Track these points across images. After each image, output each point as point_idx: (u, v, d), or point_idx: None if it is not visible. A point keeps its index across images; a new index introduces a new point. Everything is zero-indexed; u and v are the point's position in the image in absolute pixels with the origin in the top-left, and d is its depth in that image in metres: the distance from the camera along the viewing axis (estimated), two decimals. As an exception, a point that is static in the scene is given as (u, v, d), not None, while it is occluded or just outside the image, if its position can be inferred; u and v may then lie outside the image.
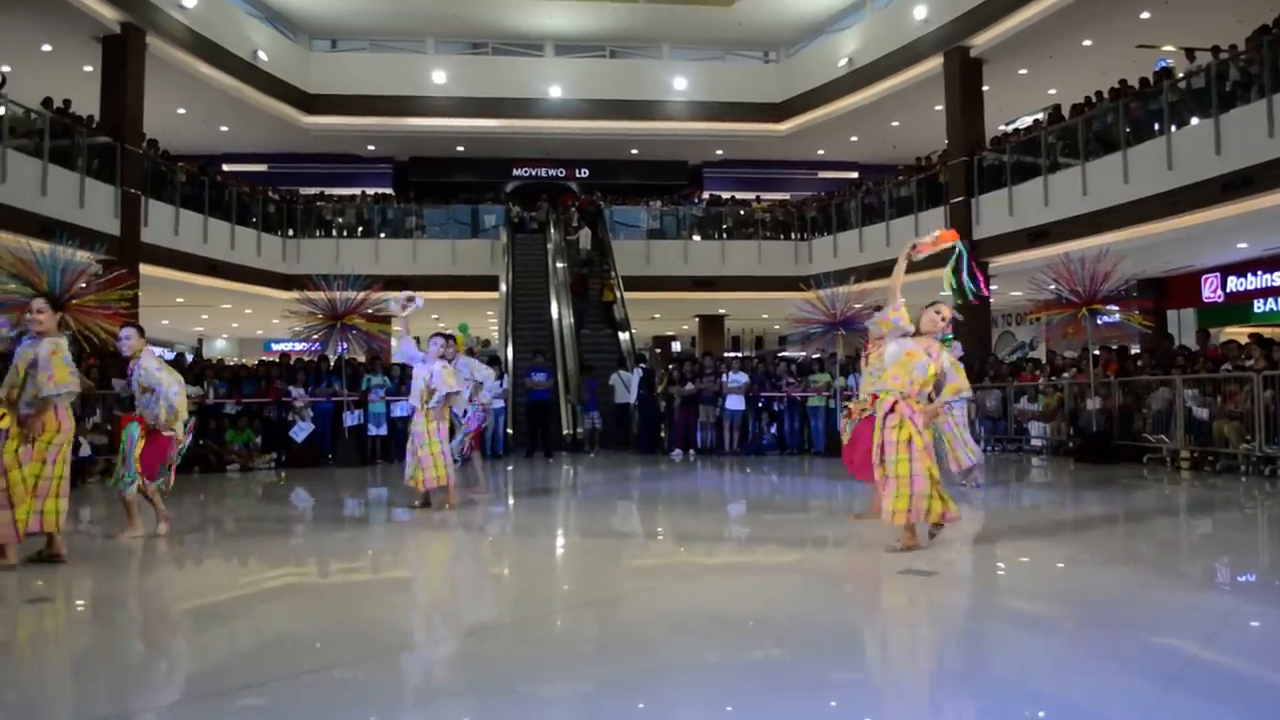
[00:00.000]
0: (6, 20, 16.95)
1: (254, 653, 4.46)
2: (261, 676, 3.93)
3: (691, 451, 16.50)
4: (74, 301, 9.84)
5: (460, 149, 28.38)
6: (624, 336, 20.83)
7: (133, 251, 17.01)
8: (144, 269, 17.20)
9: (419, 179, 28.93)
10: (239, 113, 23.53)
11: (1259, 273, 18.26)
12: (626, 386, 17.61)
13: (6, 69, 17.49)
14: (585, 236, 24.30)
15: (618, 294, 21.87)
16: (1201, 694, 3.56)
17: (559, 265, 22.64)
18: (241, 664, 4.21)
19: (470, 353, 19.27)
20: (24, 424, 6.17)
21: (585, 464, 15.24)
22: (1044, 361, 17.18)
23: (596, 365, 19.59)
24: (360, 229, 24.81)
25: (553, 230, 24.23)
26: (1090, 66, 19.36)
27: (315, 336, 15.07)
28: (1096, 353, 14.51)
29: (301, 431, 14.76)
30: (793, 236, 25.42)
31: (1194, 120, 14.89)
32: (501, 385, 16.42)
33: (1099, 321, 13.95)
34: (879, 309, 8.12)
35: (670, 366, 18.28)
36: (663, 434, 17.50)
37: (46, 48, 18.34)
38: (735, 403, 16.54)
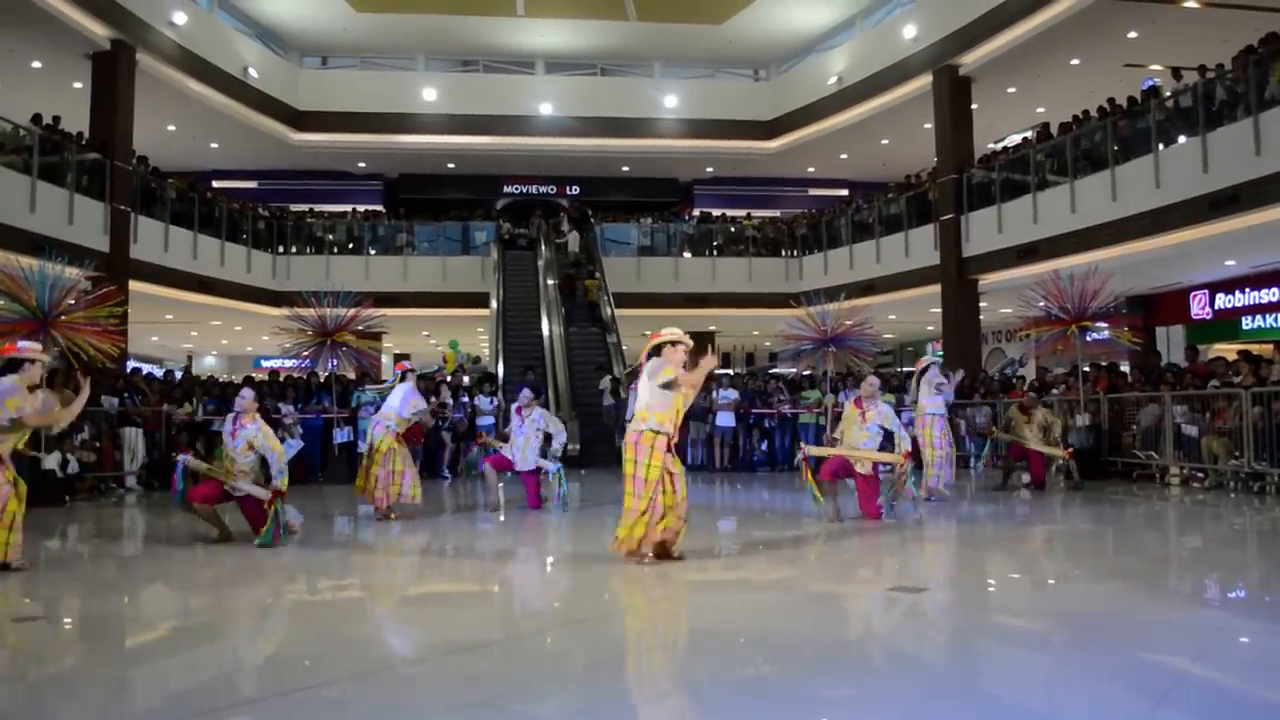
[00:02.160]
0: (-4, 37, 16.97)
1: (242, 671, 4.43)
2: (250, 695, 3.91)
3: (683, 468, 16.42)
4: (63, 318, 9.84)
5: (451, 166, 28.40)
6: (610, 336, 21.24)
7: (122, 268, 16.98)
8: (133, 285, 17.17)
9: (409, 196, 28.94)
10: (229, 129, 23.53)
11: (1247, 290, 18.35)
12: (623, 400, 17.52)
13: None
14: (574, 239, 24.73)
15: (605, 295, 22.28)
16: (1190, 710, 3.56)
17: (550, 282, 22.67)
18: (230, 682, 4.19)
19: (461, 369, 19.35)
20: None
21: (576, 480, 15.20)
22: (1033, 378, 17.22)
23: (585, 361, 20.18)
24: (350, 246, 24.84)
25: (543, 247, 24.26)
26: (1078, 85, 19.48)
27: (305, 353, 15.01)
28: (1086, 369, 14.55)
29: (291, 449, 14.68)
30: (783, 253, 25.48)
31: (1181, 139, 15.00)
32: (493, 403, 16.41)
33: (1088, 338, 14.00)
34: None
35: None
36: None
37: (36, 64, 18.33)
38: (726, 419, 16.53)
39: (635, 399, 6.43)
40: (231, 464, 7.93)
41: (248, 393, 8.28)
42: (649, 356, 6.92)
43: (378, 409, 15.01)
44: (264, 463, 8.13)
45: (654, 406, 6.64)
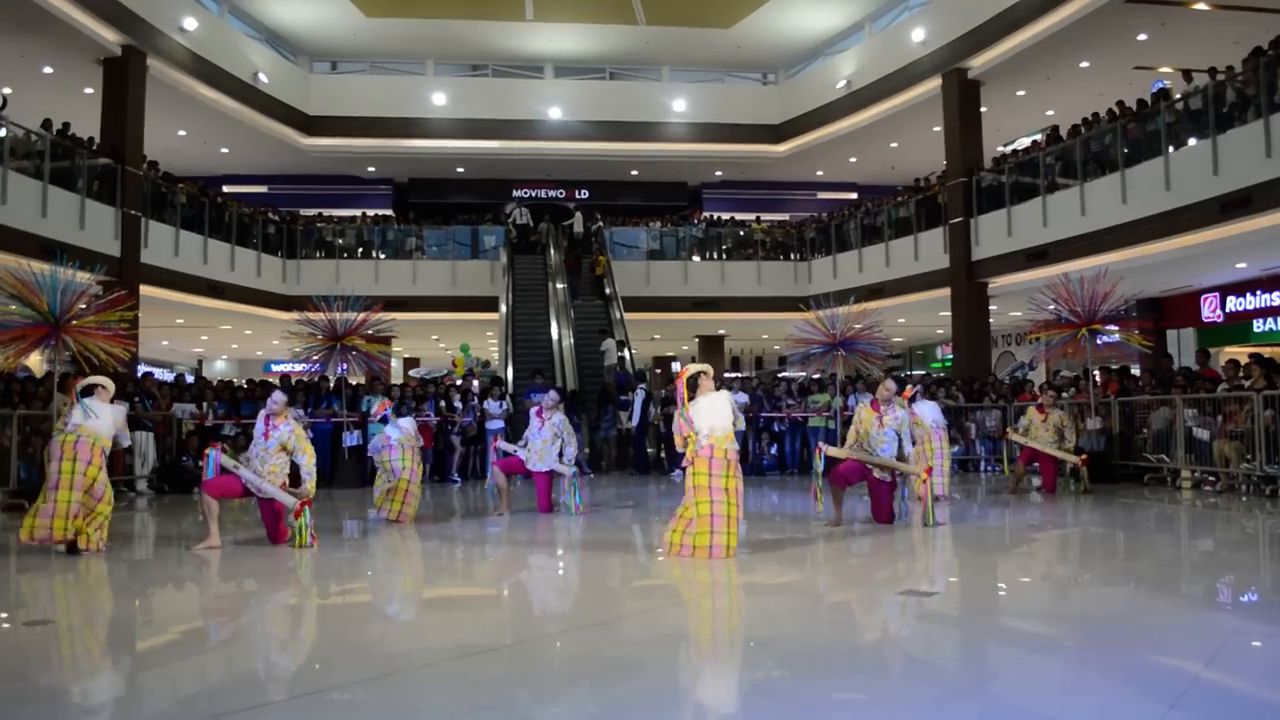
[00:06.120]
0: (7, 42, 17.04)
1: (252, 675, 4.44)
2: (259, 699, 3.90)
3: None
4: (74, 323, 9.87)
5: (460, 170, 28.48)
6: (612, 307, 22.13)
7: (133, 272, 17.04)
8: (144, 290, 17.23)
9: (419, 200, 29.02)
10: (239, 134, 23.62)
11: (1258, 292, 18.28)
12: (626, 403, 17.52)
13: (7, 91, 17.57)
14: (578, 220, 25.34)
15: (609, 274, 23.19)
16: (1204, 714, 3.54)
17: (559, 286, 22.74)
18: (239, 686, 4.19)
19: (470, 374, 19.36)
20: None
21: (585, 485, 15.19)
22: (1044, 381, 17.16)
23: (588, 330, 21.00)
24: (360, 250, 24.88)
25: (552, 251, 24.32)
26: (1088, 88, 19.45)
27: (315, 357, 15.03)
28: (1096, 373, 14.51)
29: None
30: (792, 257, 25.46)
31: (1191, 141, 14.94)
32: (502, 406, 16.41)
33: (1098, 341, 13.95)
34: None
35: (671, 386, 18.30)
36: (662, 455, 17.50)
37: (47, 70, 18.43)
38: (736, 423, 16.47)
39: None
40: (261, 464, 7.95)
41: (279, 395, 8.29)
42: (689, 387, 7.56)
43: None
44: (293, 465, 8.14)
45: (717, 429, 7.26)
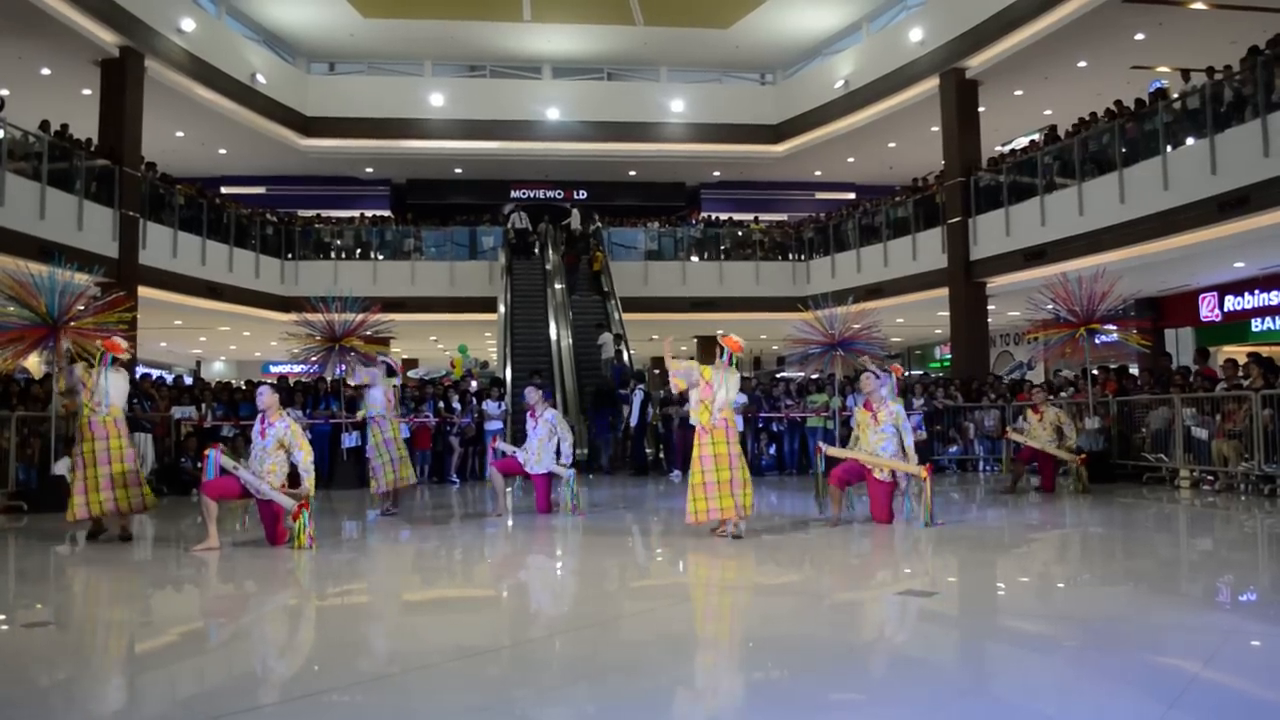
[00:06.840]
0: (6, 44, 17.03)
1: (249, 676, 4.44)
2: (256, 700, 3.90)
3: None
4: (72, 324, 9.86)
5: (458, 171, 28.47)
6: (610, 303, 22.34)
7: (131, 274, 17.04)
8: (142, 291, 17.23)
9: (417, 201, 29.01)
10: (237, 135, 23.61)
11: (1256, 291, 18.30)
12: (627, 398, 17.49)
13: (5, 92, 17.54)
14: (576, 217, 25.50)
15: (606, 270, 23.34)
16: (1203, 714, 3.54)
17: (557, 286, 22.74)
18: (238, 688, 4.18)
19: (469, 375, 19.34)
20: None
21: (584, 485, 15.18)
22: (1042, 381, 17.16)
23: (586, 324, 21.32)
24: (358, 251, 24.87)
25: (550, 252, 24.32)
26: (1086, 87, 19.46)
27: (313, 359, 15.00)
28: (1095, 372, 14.50)
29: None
30: (790, 257, 25.47)
31: (1189, 140, 14.95)
32: (500, 407, 16.40)
33: (1097, 341, 13.95)
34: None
35: (668, 388, 18.29)
36: (660, 455, 17.49)
37: (45, 71, 18.43)
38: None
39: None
40: (259, 464, 7.94)
41: (265, 389, 8.32)
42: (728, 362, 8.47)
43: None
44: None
45: (727, 404, 8.19)
